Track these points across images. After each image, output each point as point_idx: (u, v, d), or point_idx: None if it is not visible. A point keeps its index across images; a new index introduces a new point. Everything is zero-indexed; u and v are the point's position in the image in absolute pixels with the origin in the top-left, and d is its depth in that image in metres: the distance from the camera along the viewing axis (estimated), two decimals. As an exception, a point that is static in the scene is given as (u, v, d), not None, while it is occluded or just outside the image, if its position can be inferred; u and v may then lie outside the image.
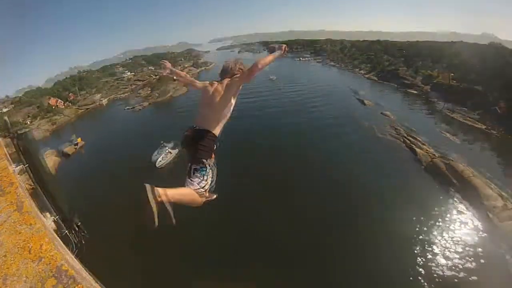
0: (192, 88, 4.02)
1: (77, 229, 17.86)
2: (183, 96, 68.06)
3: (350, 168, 28.85)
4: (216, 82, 3.69)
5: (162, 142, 34.36)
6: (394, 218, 21.32)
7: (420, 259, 18.33)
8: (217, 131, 3.44)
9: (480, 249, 19.06)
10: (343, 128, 39.99)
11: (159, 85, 75.04)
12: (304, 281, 16.46)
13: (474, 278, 16.92)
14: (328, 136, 37.16)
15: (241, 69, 3.72)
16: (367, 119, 42.88)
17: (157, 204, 2.60)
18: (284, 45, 3.45)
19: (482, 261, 18.06)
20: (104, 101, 72.66)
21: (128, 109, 62.04)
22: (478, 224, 21.15)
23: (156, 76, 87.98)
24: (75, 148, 39.88)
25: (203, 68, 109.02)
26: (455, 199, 23.84)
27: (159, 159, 32.14)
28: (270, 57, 3.36)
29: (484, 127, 38.52)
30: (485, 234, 20.19)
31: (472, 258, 18.35)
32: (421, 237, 20.09)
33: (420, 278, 17.00)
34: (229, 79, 3.61)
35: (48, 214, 15.24)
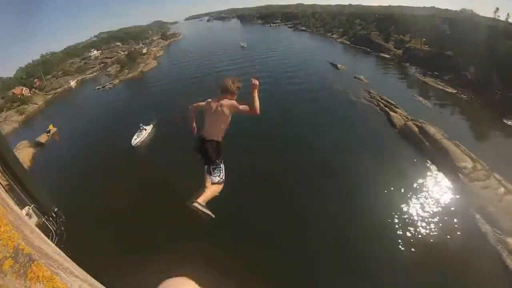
0: (200, 108, 5.02)
1: (54, 215, 17.50)
2: (154, 70, 66.06)
3: (327, 132, 29.38)
4: (216, 100, 4.68)
5: (141, 125, 33.04)
6: (369, 181, 22.08)
7: (396, 220, 19.19)
8: (220, 138, 4.69)
9: (452, 209, 20.11)
10: (318, 92, 40.15)
11: (128, 61, 71.94)
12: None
13: (448, 236, 17.93)
14: (303, 101, 37.38)
15: (238, 87, 4.71)
16: (340, 83, 43.04)
17: (204, 207, 4.22)
18: (256, 81, 4.36)
19: (454, 220, 19.07)
20: (73, 84, 68.90)
21: (99, 88, 59.37)
22: (450, 184, 22.12)
23: (124, 52, 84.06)
24: (48, 136, 37.98)
25: (172, 40, 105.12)
26: (427, 160, 24.75)
27: (135, 138, 31.33)
28: (256, 95, 4.30)
29: (454, 91, 39.39)
30: (457, 195, 21.19)
31: (445, 218, 19.38)
32: (396, 198, 20.95)
33: (396, 238, 17.91)
34: (228, 99, 4.57)
35: (26, 207, 14.84)
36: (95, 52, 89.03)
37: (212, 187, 4.54)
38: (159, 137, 31.98)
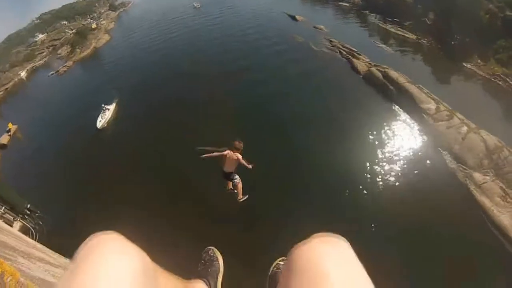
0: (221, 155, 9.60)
1: (29, 212, 17.38)
2: (107, 45, 61.99)
3: (291, 83, 29.63)
4: (232, 152, 9.26)
5: (103, 105, 31.32)
6: (338, 126, 22.87)
7: (367, 161, 20.24)
8: (234, 170, 9.86)
9: (420, 148, 21.31)
10: (280, 45, 39.35)
11: (78, 40, 66.96)
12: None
13: (418, 174, 19.15)
14: (267, 56, 36.83)
15: (242, 146, 9.19)
16: (300, 34, 42.10)
17: (243, 198, 10.86)
18: (249, 165, 9.57)
19: (423, 158, 20.33)
20: (23, 74, 62.99)
21: (52, 74, 55.08)
22: (416, 126, 23.15)
23: (72, 30, 78.05)
24: (9, 136, 35.03)
25: (121, 10, 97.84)
26: (393, 104, 25.55)
27: (99, 120, 29.93)
28: (247, 164, 9.38)
29: (415, 37, 39.84)
30: (423, 135, 22.29)
31: (415, 157, 20.57)
32: (366, 141, 21.94)
33: (369, 176, 19.16)
34: (238, 153, 9.22)
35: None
36: (41, 35, 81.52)
37: (238, 186, 10.32)
38: (124, 115, 30.89)
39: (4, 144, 34.05)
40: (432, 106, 23.54)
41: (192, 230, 14.31)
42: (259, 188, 17.79)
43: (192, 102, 28.78)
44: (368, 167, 19.88)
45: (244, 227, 16.06)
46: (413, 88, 25.40)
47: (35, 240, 11.49)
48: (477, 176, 18.50)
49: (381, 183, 18.84)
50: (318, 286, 0.58)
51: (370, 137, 22.32)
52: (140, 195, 18.32)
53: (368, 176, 19.28)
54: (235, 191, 10.68)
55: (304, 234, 0.80)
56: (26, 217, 16.50)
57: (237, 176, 10.06)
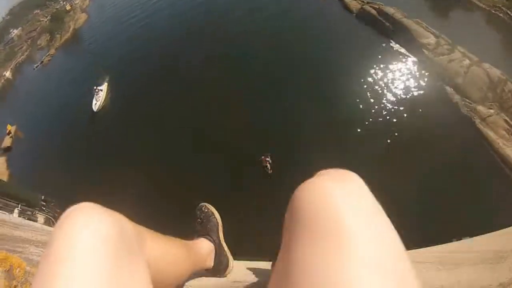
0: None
1: (44, 203, 18.16)
2: (86, 24, 59.30)
3: (287, 31, 28.68)
4: (264, 159, 16.04)
5: (95, 87, 30.82)
6: (334, 70, 22.55)
7: (370, 99, 20.40)
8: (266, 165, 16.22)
9: (422, 84, 20.92)
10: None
11: (55, 25, 64.16)
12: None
13: (420, 110, 19.06)
14: (255, 5, 35.17)
15: (266, 158, 16.19)
16: None
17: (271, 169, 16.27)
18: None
19: (425, 94, 20.10)
20: (8, 74, 60.93)
21: (37, 66, 53.48)
22: (417, 61, 22.50)
23: (46, 17, 74.60)
24: (11, 137, 34.76)
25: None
26: (391, 40, 24.63)
27: (94, 103, 29.69)
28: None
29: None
30: (425, 70, 21.68)
31: (417, 93, 20.36)
32: (365, 83, 21.65)
33: (372, 115, 19.32)
34: (266, 159, 16.04)
35: (15, 209, 15.43)
36: (16, 31, 78.27)
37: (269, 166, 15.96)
38: (118, 92, 30.74)
39: (8, 147, 34.09)
40: (432, 40, 22.65)
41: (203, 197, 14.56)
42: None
43: (183, 67, 28.42)
44: (372, 107, 19.95)
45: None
46: (410, 23, 24.27)
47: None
48: (482, 109, 18.29)
49: (385, 122, 18.95)
50: (334, 238, 0.44)
51: (370, 78, 21.96)
52: (147, 171, 18.61)
53: (372, 116, 19.36)
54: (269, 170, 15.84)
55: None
56: (44, 208, 17.30)
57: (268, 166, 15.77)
